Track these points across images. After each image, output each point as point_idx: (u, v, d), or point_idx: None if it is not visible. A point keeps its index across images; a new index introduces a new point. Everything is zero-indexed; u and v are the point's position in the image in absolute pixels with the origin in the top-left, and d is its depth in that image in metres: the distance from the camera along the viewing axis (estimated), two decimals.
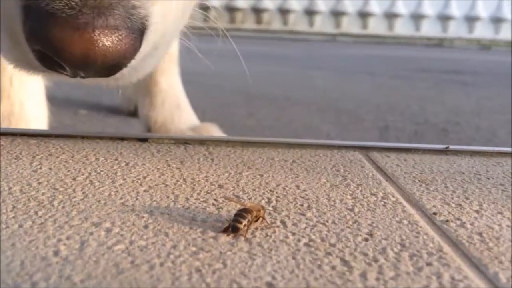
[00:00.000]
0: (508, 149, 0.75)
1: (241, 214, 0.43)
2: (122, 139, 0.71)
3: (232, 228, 0.42)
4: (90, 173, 0.56)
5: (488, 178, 0.63)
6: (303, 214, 0.48)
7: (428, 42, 6.06)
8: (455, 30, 6.46)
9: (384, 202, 0.52)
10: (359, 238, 0.43)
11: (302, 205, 0.50)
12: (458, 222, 0.48)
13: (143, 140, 0.72)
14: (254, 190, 0.55)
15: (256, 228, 0.43)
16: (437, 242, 0.43)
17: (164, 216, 0.45)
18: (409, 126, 1.85)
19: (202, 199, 0.50)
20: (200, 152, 0.68)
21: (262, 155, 0.68)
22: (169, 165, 0.61)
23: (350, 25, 6.45)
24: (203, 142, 0.72)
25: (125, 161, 0.61)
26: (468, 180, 0.62)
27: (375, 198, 0.53)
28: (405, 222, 0.47)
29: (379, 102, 2.28)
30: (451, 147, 0.74)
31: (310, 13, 6.41)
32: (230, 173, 0.60)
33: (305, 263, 0.38)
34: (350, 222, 0.46)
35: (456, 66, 4.00)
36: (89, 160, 0.61)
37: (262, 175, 0.60)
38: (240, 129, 1.66)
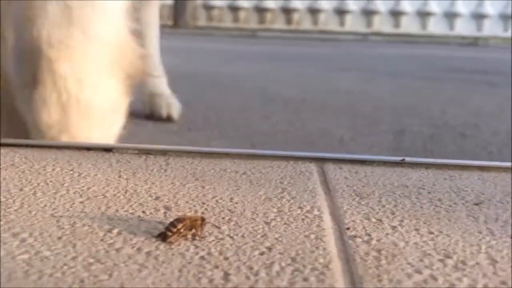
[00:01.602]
0: (464, 162, 0.75)
1: (173, 223, 0.47)
2: (88, 149, 0.76)
3: (162, 236, 0.47)
4: (39, 184, 0.61)
5: (429, 193, 0.64)
6: (218, 227, 0.51)
7: (462, 41, 5.91)
8: (490, 28, 6.29)
9: (305, 216, 0.54)
10: (256, 252, 0.46)
11: (223, 218, 0.53)
12: (366, 238, 0.50)
13: (108, 150, 0.76)
14: (187, 202, 0.58)
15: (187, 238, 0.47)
16: (328, 258, 0.45)
17: (83, 228, 0.49)
18: (425, 130, 1.82)
19: (131, 211, 0.54)
20: (158, 163, 0.72)
21: (217, 166, 0.71)
22: (120, 176, 0.65)
23: (381, 24, 6.37)
24: (165, 152, 0.76)
25: (78, 172, 0.66)
26: (406, 194, 0.63)
27: (299, 212, 0.56)
28: (312, 237, 0.49)
29: (398, 104, 2.26)
30: (407, 159, 0.75)
31: (340, 12, 6.37)
32: (174, 185, 0.63)
33: (187, 276, 0.41)
34: (259, 236, 0.49)
35: (486, 66, 3.90)
36: (46, 170, 0.66)
37: (204, 187, 0.63)
38: (253, 134, 1.69)
